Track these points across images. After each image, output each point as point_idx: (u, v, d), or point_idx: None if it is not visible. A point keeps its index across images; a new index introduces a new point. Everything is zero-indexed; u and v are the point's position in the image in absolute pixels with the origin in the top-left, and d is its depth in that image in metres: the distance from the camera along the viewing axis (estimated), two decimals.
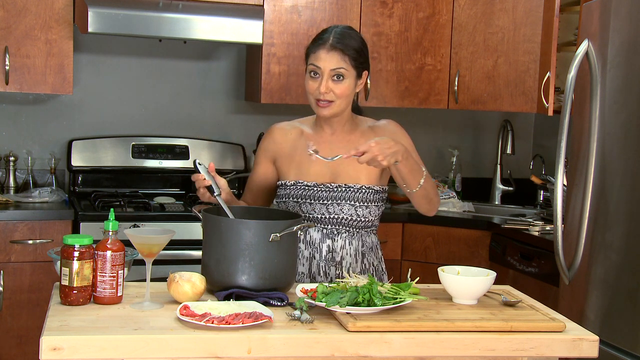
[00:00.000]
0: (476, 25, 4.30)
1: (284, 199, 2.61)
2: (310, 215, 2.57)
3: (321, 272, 2.57)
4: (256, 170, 2.71)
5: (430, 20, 4.31)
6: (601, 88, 3.00)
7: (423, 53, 4.32)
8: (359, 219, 2.57)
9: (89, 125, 4.30)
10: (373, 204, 2.59)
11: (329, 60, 2.50)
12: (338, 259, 2.58)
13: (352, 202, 2.56)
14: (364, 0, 4.22)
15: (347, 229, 2.58)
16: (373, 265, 2.65)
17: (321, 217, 2.57)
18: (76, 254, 2.06)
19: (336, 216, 2.56)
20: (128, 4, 3.80)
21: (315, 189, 2.58)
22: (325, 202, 2.57)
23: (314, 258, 2.58)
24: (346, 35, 2.55)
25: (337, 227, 2.58)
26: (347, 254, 2.59)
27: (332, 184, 2.58)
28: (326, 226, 2.58)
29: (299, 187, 2.59)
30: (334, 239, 2.58)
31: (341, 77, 2.51)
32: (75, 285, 2.07)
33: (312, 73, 2.54)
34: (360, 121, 2.67)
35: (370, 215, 2.59)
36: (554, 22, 3.91)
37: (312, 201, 2.57)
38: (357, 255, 2.61)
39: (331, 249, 2.57)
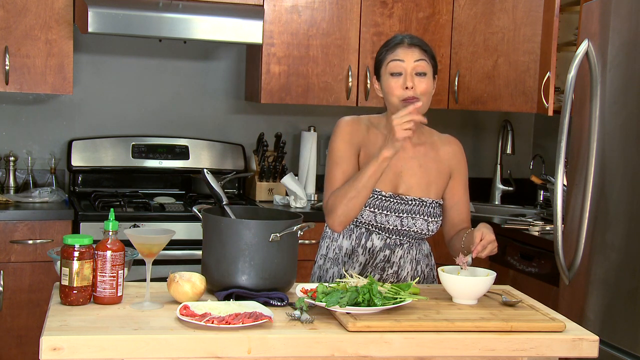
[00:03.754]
0: (476, 25, 4.30)
1: None
2: (383, 226, 2.52)
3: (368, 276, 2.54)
4: (348, 165, 2.53)
5: (430, 20, 4.31)
6: (601, 88, 3.00)
7: None
8: (428, 233, 2.57)
9: (89, 125, 4.30)
10: (440, 218, 2.59)
11: (410, 53, 2.48)
12: (395, 268, 2.56)
13: (425, 217, 2.54)
14: (364, 0, 4.22)
15: (409, 240, 2.57)
16: (424, 273, 2.63)
17: (393, 228, 2.53)
18: (76, 254, 2.06)
19: (407, 229, 2.53)
20: (128, 4, 3.80)
21: (392, 200, 2.52)
22: (401, 215, 2.52)
23: (368, 264, 2.56)
24: (415, 37, 2.56)
25: (401, 237, 2.55)
26: (404, 262, 2.57)
27: (407, 197, 2.53)
28: (391, 236, 2.55)
29: (375, 196, 2.51)
30: (394, 250, 2.55)
31: (424, 74, 2.48)
32: (75, 285, 2.07)
33: (394, 71, 2.47)
34: (426, 132, 2.64)
35: (437, 229, 2.59)
36: (554, 22, 3.91)
37: (388, 212, 2.52)
38: (412, 262, 2.59)
39: (388, 258, 2.55)
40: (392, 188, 2.54)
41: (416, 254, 2.59)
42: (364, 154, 2.55)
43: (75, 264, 2.06)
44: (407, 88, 2.46)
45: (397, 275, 2.55)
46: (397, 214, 2.52)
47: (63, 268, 2.08)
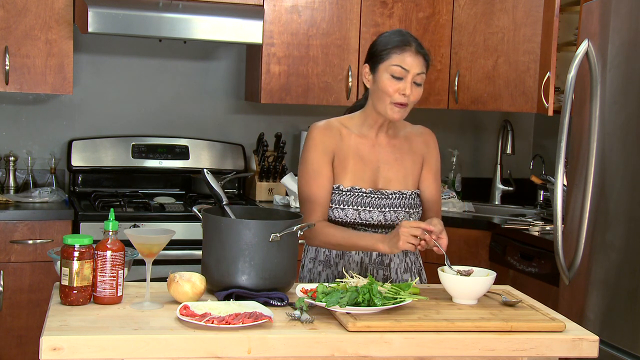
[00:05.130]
0: (476, 25, 4.30)
1: (341, 206, 2.55)
2: (367, 222, 2.55)
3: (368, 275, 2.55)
4: (323, 176, 2.55)
5: (430, 20, 4.31)
6: (601, 88, 3.00)
7: None
8: None
9: (89, 125, 4.30)
10: (420, 208, 2.62)
11: (416, 64, 2.47)
12: (387, 261, 2.58)
13: (407, 210, 2.57)
14: (364, 0, 4.22)
15: None
16: (415, 264, 2.66)
17: (377, 224, 2.56)
18: (76, 254, 2.06)
19: (391, 222, 2.55)
20: (128, 4, 3.80)
21: (372, 196, 2.55)
22: (383, 209, 2.55)
23: (363, 262, 2.57)
24: (420, 43, 2.54)
25: (387, 231, 2.55)
26: (395, 255, 2.59)
27: (387, 191, 2.57)
28: (377, 231, 2.56)
29: (356, 193, 2.55)
30: None
31: (420, 84, 2.50)
32: (75, 285, 2.07)
33: (395, 75, 2.47)
34: (399, 125, 2.66)
35: (419, 219, 2.61)
36: (554, 22, 3.91)
37: (371, 209, 2.55)
38: (402, 254, 2.62)
39: (381, 253, 2.55)
40: (371, 184, 2.57)
41: None
42: (337, 160, 2.57)
43: (75, 264, 2.06)
44: (403, 94, 2.48)
45: (389, 269, 2.58)
46: (379, 209, 2.55)
47: (63, 268, 2.08)
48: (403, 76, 2.47)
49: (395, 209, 2.56)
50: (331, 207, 2.56)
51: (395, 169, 2.60)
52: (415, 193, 2.61)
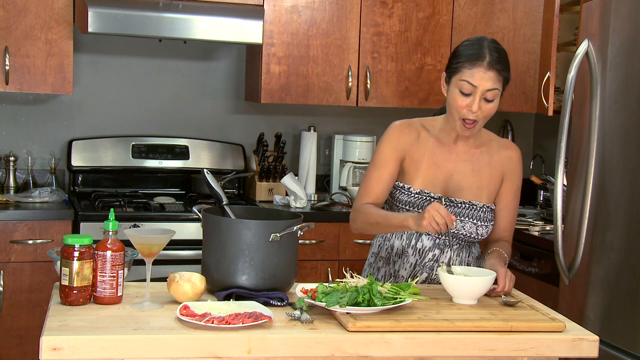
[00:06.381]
0: (476, 25, 4.30)
1: (406, 207, 2.52)
2: None
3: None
4: (386, 170, 2.53)
5: (430, 20, 4.31)
6: (601, 88, 3.00)
7: (423, 53, 4.32)
8: (478, 237, 2.55)
9: (89, 125, 4.30)
10: (491, 223, 2.56)
11: (486, 80, 2.39)
12: (437, 265, 2.54)
13: (475, 221, 2.52)
14: (364, 0, 4.22)
15: (459, 242, 2.55)
16: None
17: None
18: (76, 254, 2.06)
19: (455, 231, 2.52)
20: (128, 4, 3.80)
21: (440, 202, 2.48)
22: None
23: (417, 264, 2.55)
24: (502, 54, 2.44)
25: (451, 239, 2.53)
26: (452, 263, 2.54)
27: (457, 199, 2.52)
28: (440, 236, 2.53)
29: (424, 197, 2.50)
30: (443, 250, 2.54)
31: (492, 100, 2.43)
32: (75, 285, 2.07)
33: (463, 91, 2.41)
34: (484, 135, 2.61)
35: (487, 233, 2.56)
36: (554, 22, 3.91)
37: None
38: (462, 264, 2.56)
39: (437, 257, 2.53)
40: (441, 190, 2.52)
41: (466, 257, 2.57)
42: (409, 160, 2.54)
43: (75, 264, 2.06)
44: (470, 111, 2.42)
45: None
46: None
47: (63, 268, 2.08)
48: (472, 92, 2.40)
49: (463, 218, 2.51)
50: (399, 207, 2.53)
51: (470, 180, 2.53)
52: (487, 207, 2.54)
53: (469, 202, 2.52)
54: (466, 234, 2.52)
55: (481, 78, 2.38)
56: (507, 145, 2.64)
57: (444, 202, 2.48)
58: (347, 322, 1.98)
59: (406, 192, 2.52)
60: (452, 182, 2.53)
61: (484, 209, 2.53)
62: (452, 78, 2.44)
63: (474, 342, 2.00)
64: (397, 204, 2.54)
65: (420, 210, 2.48)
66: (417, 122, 2.59)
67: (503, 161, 2.58)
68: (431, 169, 2.52)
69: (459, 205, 2.51)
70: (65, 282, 2.08)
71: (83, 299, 2.09)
